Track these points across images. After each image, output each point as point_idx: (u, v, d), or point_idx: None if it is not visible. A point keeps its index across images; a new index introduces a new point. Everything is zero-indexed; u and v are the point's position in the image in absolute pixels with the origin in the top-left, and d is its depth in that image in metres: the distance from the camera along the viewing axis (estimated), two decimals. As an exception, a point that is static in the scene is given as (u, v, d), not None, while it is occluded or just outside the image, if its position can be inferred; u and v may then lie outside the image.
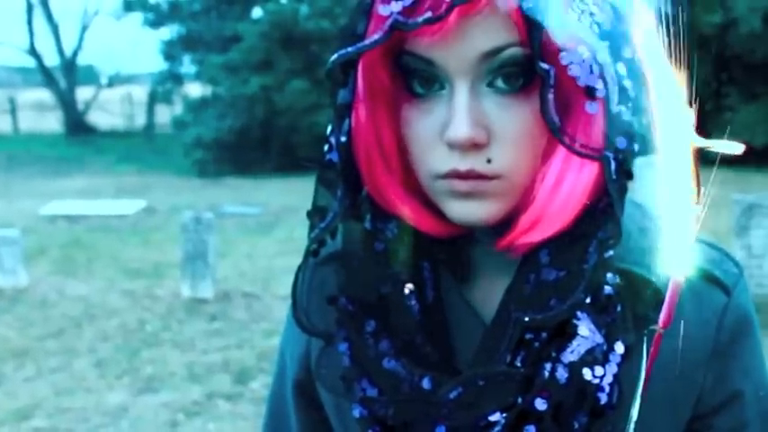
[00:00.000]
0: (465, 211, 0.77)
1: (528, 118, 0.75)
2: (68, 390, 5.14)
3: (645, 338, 0.70)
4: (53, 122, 25.56)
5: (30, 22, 25.96)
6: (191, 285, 7.00)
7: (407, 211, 0.82)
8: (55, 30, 25.86)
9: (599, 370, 0.76)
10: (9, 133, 25.84)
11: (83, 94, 26.33)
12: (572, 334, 0.76)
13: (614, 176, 0.74)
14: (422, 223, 0.83)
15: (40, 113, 26.57)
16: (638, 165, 0.75)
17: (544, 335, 0.76)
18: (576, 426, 0.76)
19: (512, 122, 0.75)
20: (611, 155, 0.74)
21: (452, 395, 0.77)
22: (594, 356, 0.76)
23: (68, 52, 26.33)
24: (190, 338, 6.04)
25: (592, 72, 0.72)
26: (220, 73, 17.15)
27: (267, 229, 10.19)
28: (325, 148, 0.82)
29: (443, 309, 0.85)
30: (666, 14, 0.64)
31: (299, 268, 0.84)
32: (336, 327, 0.84)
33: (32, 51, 25.78)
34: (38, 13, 26.83)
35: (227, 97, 16.93)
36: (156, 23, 21.58)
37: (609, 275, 0.77)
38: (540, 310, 0.76)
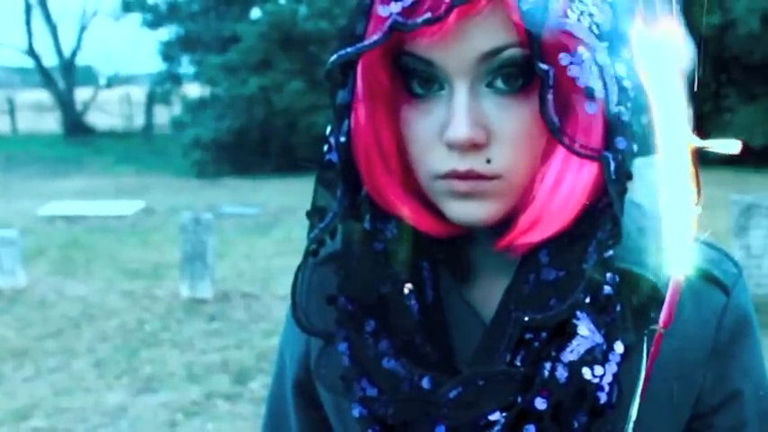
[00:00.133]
0: (464, 211, 0.78)
1: (527, 118, 0.75)
2: (67, 390, 5.14)
3: (645, 338, 0.70)
4: (52, 123, 25.54)
5: (28, 23, 25.95)
6: (189, 286, 7.00)
7: (407, 212, 0.83)
8: (53, 30, 25.85)
9: (598, 369, 0.76)
10: (7, 134, 25.82)
11: (81, 94, 26.31)
12: (572, 333, 0.76)
13: (614, 177, 0.74)
14: (421, 223, 0.83)
15: (38, 114, 26.55)
16: (638, 165, 0.76)
17: (544, 334, 0.76)
18: (576, 425, 0.76)
19: (511, 123, 0.75)
20: (610, 155, 0.74)
21: (452, 395, 0.77)
22: (594, 356, 0.76)
23: (67, 53, 26.33)
24: (189, 338, 6.04)
25: (591, 72, 0.72)
26: (219, 73, 17.15)
27: (266, 230, 10.18)
28: (325, 148, 0.82)
29: (443, 309, 0.86)
30: (666, 15, 0.64)
31: (299, 268, 0.84)
32: (336, 326, 0.84)
33: (31, 52, 25.76)
34: (36, 14, 26.83)
35: (226, 98, 16.92)
36: (154, 24, 21.57)
37: (608, 275, 0.77)
38: (539, 310, 0.76)
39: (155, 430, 4.57)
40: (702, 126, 0.65)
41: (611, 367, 0.77)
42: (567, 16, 0.72)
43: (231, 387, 5.11)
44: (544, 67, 0.71)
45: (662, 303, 0.68)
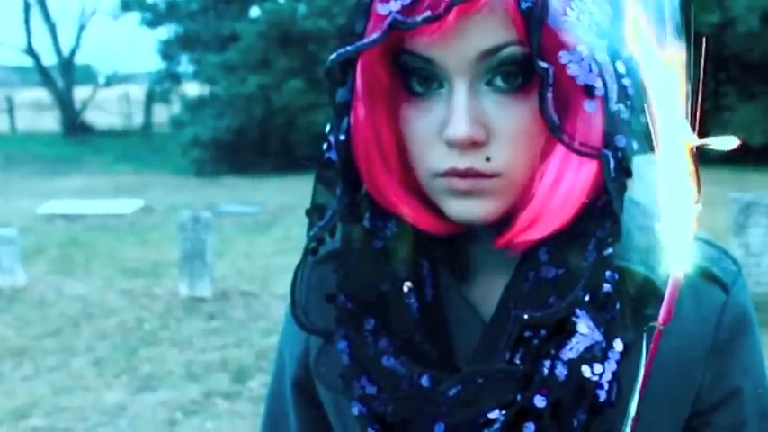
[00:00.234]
0: (464, 209, 0.78)
1: (527, 116, 0.75)
2: (66, 389, 5.14)
3: (644, 336, 0.70)
4: (50, 122, 25.52)
5: (27, 22, 25.92)
6: (189, 284, 7.00)
7: (406, 210, 0.83)
8: (52, 29, 25.82)
9: (598, 367, 0.76)
10: (6, 133, 25.81)
11: (80, 93, 26.28)
12: (571, 331, 0.76)
13: (613, 174, 0.74)
14: (421, 221, 0.83)
15: (37, 113, 26.53)
16: (637, 163, 0.76)
17: (543, 332, 0.76)
18: (575, 423, 0.76)
19: (510, 121, 0.75)
20: (609, 153, 0.74)
21: (452, 392, 0.77)
22: (593, 354, 0.76)
23: (66, 52, 26.30)
24: (188, 337, 6.04)
25: (591, 71, 0.72)
26: (218, 72, 17.15)
27: (265, 228, 10.18)
28: (324, 146, 0.82)
29: (442, 307, 0.86)
30: (665, 14, 0.64)
31: (298, 266, 0.84)
32: (335, 325, 0.84)
33: (30, 51, 25.73)
34: (35, 13, 26.81)
35: (225, 97, 16.92)
36: (153, 23, 21.57)
37: (608, 273, 0.77)
38: (539, 308, 0.76)
39: (154, 429, 4.57)
40: (701, 124, 0.65)
41: (611, 365, 0.77)
42: (566, 14, 0.72)
43: (230, 386, 5.11)
44: (544, 65, 0.71)
45: (661, 301, 0.68)
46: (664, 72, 0.63)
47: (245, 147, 16.55)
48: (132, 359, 5.62)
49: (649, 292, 0.79)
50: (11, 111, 26.97)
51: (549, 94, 0.72)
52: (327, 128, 0.82)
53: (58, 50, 26.06)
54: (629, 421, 0.71)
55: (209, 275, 7.02)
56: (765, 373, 0.90)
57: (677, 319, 0.70)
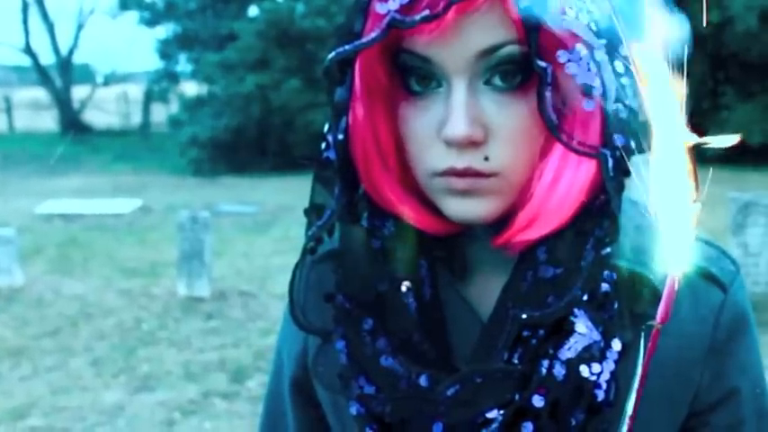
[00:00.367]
0: (462, 208, 0.78)
1: (525, 115, 0.75)
2: (64, 389, 5.13)
3: (642, 335, 0.70)
4: (49, 121, 25.51)
5: (25, 21, 25.91)
6: (187, 284, 7.00)
7: (405, 209, 0.83)
8: (50, 28, 25.80)
9: (596, 367, 0.76)
10: (5, 132, 25.78)
11: (78, 92, 26.27)
12: (569, 331, 0.76)
13: (611, 174, 0.74)
14: (419, 221, 0.83)
15: (35, 112, 26.50)
16: (636, 162, 0.75)
17: (541, 332, 0.76)
18: (573, 423, 0.76)
19: (509, 120, 0.75)
20: (608, 152, 0.74)
21: (450, 392, 0.77)
22: (592, 353, 0.76)
23: (64, 51, 26.29)
24: (186, 337, 6.04)
25: (589, 70, 0.72)
26: (216, 72, 17.14)
27: (263, 228, 10.18)
28: (323, 146, 0.82)
29: (441, 306, 0.85)
30: (664, 14, 0.64)
31: (297, 266, 0.84)
32: (333, 324, 0.84)
33: (28, 50, 25.72)
34: (33, 12, 26.80)
35: (223, 96, 16.90)
36: (151, 22, 21.56)
37: (606, 273, 0.77)
38: (537, 308, 0.76)
39: (152, 429, 4.57)
40: (700, 124, 0.65)
41: (609, 365, 0.77)
42: (565, 13, 0.72)
43: (228, 386, 5.11)
44: (542, 64, 0.71)
45: (659, 301, 0.67)
46: (662, 71, 0.63)
47: (244, 146, 16.54)
48: (130, 359, 5.62)
49: (647, 292, 0.79)
50: (9, 110, 26.94)
51: (548, 94, 0.72)
52: (326, 127, 0.82)
53: (56, 50, 26.05)
54: (626, 421, 0.71)
55: (207, 275, 7.02)
56: (763, 372, 0.90)
57: (675, 318, 0.70)
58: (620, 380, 0.77)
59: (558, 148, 0.76)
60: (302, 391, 0.98)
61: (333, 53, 0.77)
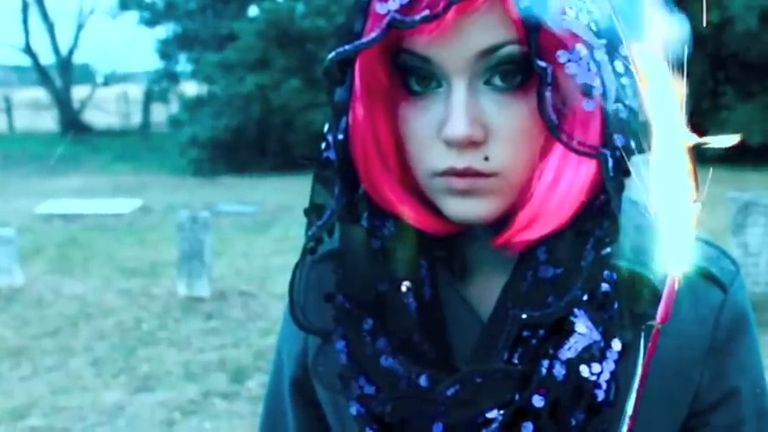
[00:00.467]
0: (462, 208, 0.78)
1: (525, 115, 0.75)
2: (64, 389, 5.13)
3: (642, 335, 0.70)
4: (49, 121, 25.50)
5: (25, 21, 25.90)
6: (187, 284, 7.00)
7: (405, 209, 0.83)
8: (50, 28, 25.80)
9: (596, 367, 0.76)
10: (5, 132, 25.77)
11: (78, 92, 26.26)
12: (569, 331, 0.76)
13: (611, 174, 0.74)
14: (419, 221, 0.83)
15: (35, 112, 26.50)
16: (636, 162, 0.75)
17: (541, 332, 0.76)
18: (573, 423, 0.76)
19: (509, 120, 0.75)
20: (608, 152, 0.74)
21: (450, 392, 0.77)
22: (592, 353, 0.76)
23: (64, 51, 26.29)
24: (186, 337, 6.04)
25: (589, 70, 0.72)
26: (216, 72, 17.13)
27: (263, 228, 10.18)
28: (323, 146, 0.82)
29: (441, 306, 0.85)
30: (664, 14, 0.64)
31: (297, 266, 0.84)
32: (333, 324, 0.84)
33: (28, 50, 25.72)
34: (33, 12, 26.79)
35: (223, 96, 16.90)
36: (151, 22, 21.56)
37: (606, 273, 0.77)
38: (537, 308, 0.76)
39: (152, 429, 4.57)
40: (700, 124, 0.65)
41: (609, 365, 0.77)
42: (565, 13, 0.72)
43: (228, 386, 5.11)
44: (542, 64, 0.71)
45: (659, 301, 0.67)
46: (662, 72, 0.63)
47: (244, 146, 16.54)
48: (130, 359, 5.62)
49: (647, 292, 0.79)
50: (9, 110, 26.93)
51: (548, 94, 0.72)
52: (326, 127, 0.82)
53: (56, 50, 26.05)
54: (626, 421, 0.71)
55: (207, 275, 7.02)
56: (763, 372, 0.90)
57: (675, 318, 0.70)
58: (620, 380, 0.77)
59: (558, 148, 0.76)
60: (302, 391, 0.98)
61: (333, 53, 0.77)
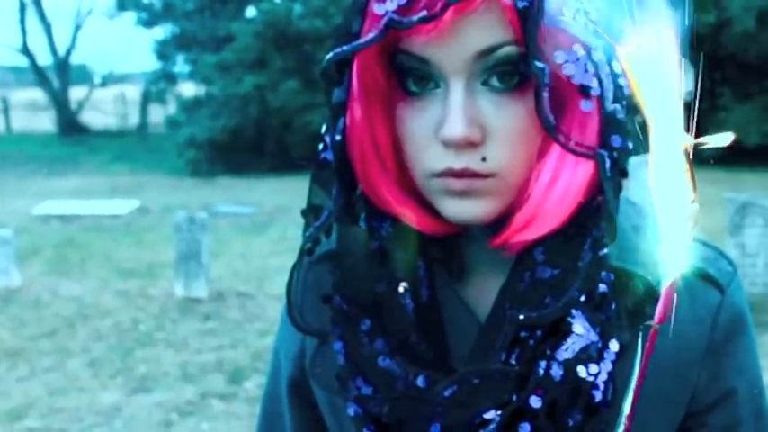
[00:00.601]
0: (460, 209, 0.78)
1: (523, 116, 0.75)
2: (62, 389, 5.13)
3: (640, 336, 0.70)
4: (46, 122, 25.49)
5: (22, 22, 25.89)
6: (184, 285, 7.00)
7: (402, 210, 0.82)
8: (48, 29, 25.79)
9: (593, 368, 0.76)
10: (2, 133, 25.77)
11: (76, 93, 26.26)
12: (567, 332, 0.76)
13: (609, 174, 0.74)
14: (417, 222, 0.83)
15: (32, 113, 26.50)
16: (633, 163, 0.75)
17: (539, 333, 0.76)
18: (571, 423, 0.76)
19: (507, 121, 0.75)
20: (605, 153, 0.74)
21: (447, 393, 0.77)
22: (589, 354, 0.76)
23: (61, 52, 26.28)
24: (183, 338, 6.04)
25: (586, 71, 0.72)
26: (214, 72, 17.14)
27: (261, 229, 10.18)
28: (320, 146, 0.82)
29: (438, 307, 0.85)
30: (663, 14, 0.64)
31: (294, 267, 0.84)
32: (331, 325, 0.84)
33: (25, 51, 25.70)
34: (31, 13, 26.83)
35: (221, 97, 16.91)
36: (149, 23, 21.55)
37: (603, 273, 0.77)
38: (534, 308, 0.76)
39: (149, 430, 4.56)
40: (697, 124, 0.65)
41: (606, 365, 0.77)
42: (562, 14, 0.72)
43: (226, 387, 5.11)
44: (539, 65, 0.71)
45: (657, 301, 0.68)
46: (659, 72, 0.63)
47: (241, 147, 16.54)
48: (128, 360, 5.62)
49: (645, 293, 0.79)
50: (6, 111, 26.92)
51: (545, 94, 0.72)
52: (323, 128, 0.82)
53: (53, 50, 26.04)
54: (624, 421, 0.71)
55: (204, 276, 7.01)
56: (760, 373, 0.90)
57: (673, 319, 0.70)
58: (617, 380, 0.77)
59: (556, 149, 0.76)
60: (299, 391, 0.98)
61: (330, 54, 0.77)
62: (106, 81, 29.91)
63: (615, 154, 0.74)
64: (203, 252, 6.98)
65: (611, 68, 0.74)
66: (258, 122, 16.46)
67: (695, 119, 0.64)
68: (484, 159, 0.75)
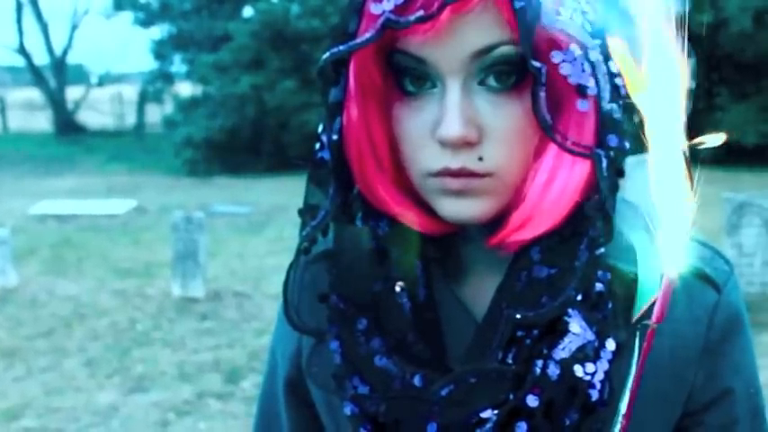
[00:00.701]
0: (457, 208, 0.78)
1: (520, 116, 0.75)
2: (58, 389, 5.13)
3: (637, 335, 0.70)
4: (43, 122, 25.47)
5: (19, 21, 25.87)
6: (181, 285, 6.99)
7: (399, 210, 0.83)
8: (44, 29, 25.77)
9: (590, 367, 0.76)
10: (-2, 132, 25.77)
11: (73, 93, 26.23)
12: (563, 331, 0.76)
13: (605, 174, 0.74)
14: (414, 221, 0.83)
15: (29, 113, 26.48)
16: (630, 163, 0.75)
17: (536, 332, 0.76)
18: (567, 422, 0.76)
19: (503, 120, 0.75)
20: (602, 152, 0.74)
21: (444, 392, 0.77)
22: (586, 353, 0.76)
23: (58, 51, 26.26)
24: (180, 338, 6.04)
25: (583, 70, 0.72)
26: (211, 72, 17.12)
27: (258, 229, 10.17)
28: (317, 146, 0.82)
29: (435, 306, 0.85)
30: (660, 13, 0.64)
31: (291, 266, 0.84)
32: (328, 324, 0.84)
33: (22, 50, 25.68)
34: (27, 12, 26.75)
35: (218, 97, 16.89)
36: (146, 22, 21.53)
37: (600, 273, 0.77)
38: (531, 308, 0.76)
39: (146, 430, 4.56)
40: (694, 124, 0.65)
41: (603, 365, 0.77)
42: (559, 14, 0.72)
43: (223, 386, 5.10)
44: (536, 64, 0.71)
45: (654, 301, 0.68)
46: (658, 72, 0.63)
47: (238, 147, 16.52)
48: (124, 360, 5.61)
49: (642, 292, 0.79)
50: (3, 111, 26.91)
51: (542, 94, 0.72)
52: (320, 128, 0.82)
53: (50, 50, 26.02)
54: (620, 420, 0.71)
55: (201, 276, 7.01)
56: (757, 373, 0.90)
57: (669, 318, 0.70)
58: (614, 380, 0.77)
59: (553, 149, 0.76)
60: (296, 391, 0.98)
61: (327, 53, 0.77)
62: (103, 81, 29.90)
63: (612, 153, 0.74)
64: (200, 252, 6.98)
65: (607, 68, 0.74)
66: (255, 122, 16.45)
67: (692, 119, 0.64)
68: (481, 159, 0.75)
